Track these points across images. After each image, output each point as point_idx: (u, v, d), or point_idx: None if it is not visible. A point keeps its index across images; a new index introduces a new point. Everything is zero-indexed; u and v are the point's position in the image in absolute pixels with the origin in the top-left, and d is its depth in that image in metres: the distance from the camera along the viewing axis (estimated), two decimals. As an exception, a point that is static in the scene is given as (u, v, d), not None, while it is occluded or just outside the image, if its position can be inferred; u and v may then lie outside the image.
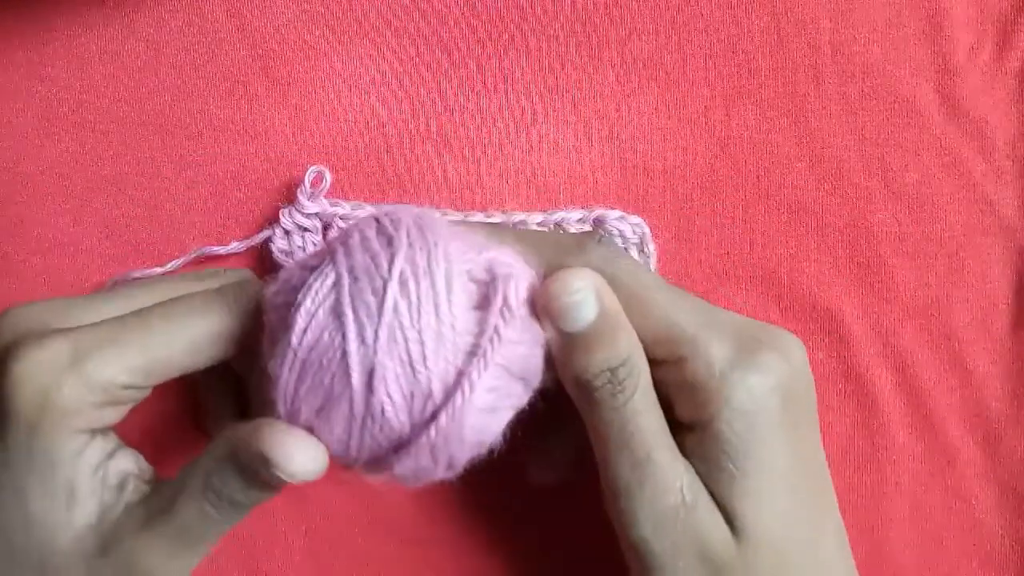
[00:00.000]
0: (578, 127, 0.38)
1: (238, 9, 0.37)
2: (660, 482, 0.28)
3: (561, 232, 0.33)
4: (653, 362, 0.29)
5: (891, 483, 0.38)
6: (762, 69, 0.38)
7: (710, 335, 0.29)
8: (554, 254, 0.30)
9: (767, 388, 0.29)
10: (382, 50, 0.38)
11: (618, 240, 0.36)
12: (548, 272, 0.28)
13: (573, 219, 0.36)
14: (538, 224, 0.36)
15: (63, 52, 0.37)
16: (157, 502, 0.28)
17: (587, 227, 0.36)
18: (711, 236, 0.38)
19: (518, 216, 0.36)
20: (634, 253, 0.36)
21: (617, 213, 0.36)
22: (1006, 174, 0.38)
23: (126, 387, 0.28)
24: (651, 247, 0.36)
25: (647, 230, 0.36)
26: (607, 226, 0.36)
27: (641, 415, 0.28)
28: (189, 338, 0.29)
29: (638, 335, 0.29)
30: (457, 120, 0.38)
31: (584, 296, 0.28)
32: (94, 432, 0.28)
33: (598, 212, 0.36)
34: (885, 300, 0.38)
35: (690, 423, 0.29)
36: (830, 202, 0.38)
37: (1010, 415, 0.38)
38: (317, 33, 0.37)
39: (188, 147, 0.37)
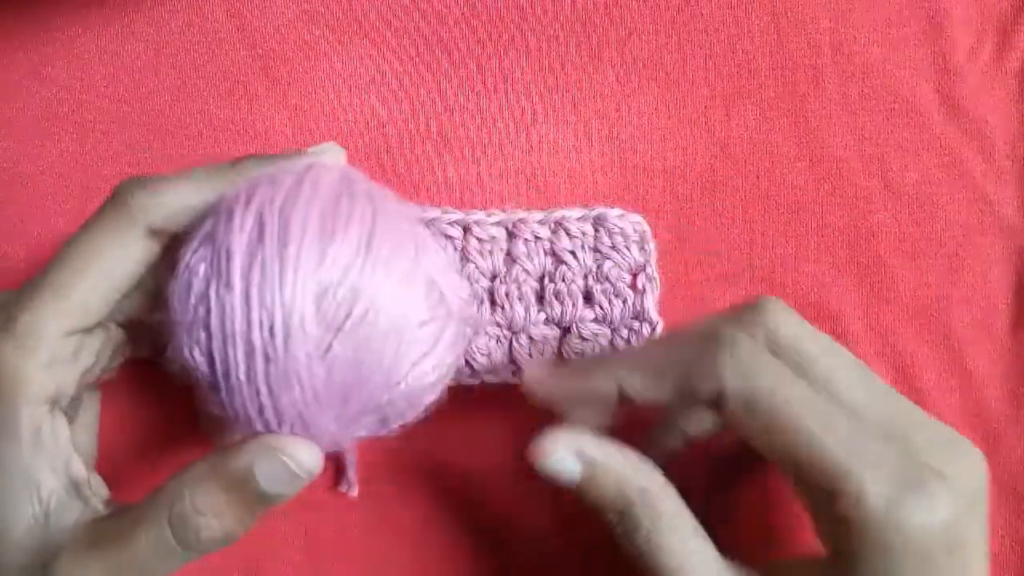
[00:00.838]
0: (578, 127, 0.38)
1: (238, 9, 0.37)
2: None
3: (684, 342, 0.29)
4: (804, 489, 0.27)
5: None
6: (762, 69, 0.38)
7: (865, 468, 0.26)
8: (681, 376, 0.28)
9: (929, 533, 0.25)
10: (382, 50, 0.38)
11: (619, 239, 0.36)
12: (680, 397, 0.28)
13: (574, 217, 0.36)
14: (538, 222, 0.36)
15: (63, 52, 0.37)
16: (110, 525, 0.27)
17: (588, 225, 0.36)
18: (711, 236, 0.38)
19: (519, 214, 0.36)
20: (635, 251, 0.36)
21: (617, 211, 0.36)
22: (1006, 174, 0.38)
23: (68, 333, 0.27)
24: (651, 245, 0.36)
25: (647, 228, 0.36)
26: (608, 225, 0.36)
27: (666, 552, 0.28)
28: (105, 266, 0.27)
29: (784, 458, 0.27)
30: (457, 120, 0.38)
31: (561, 458, 0.28)
32: (53, 406, 0.27)
33: (599, 210, 0.36)
34: (885, 300, 0.38)
35: (831, 549, 0.28)
36: (830, 202, 0.38)
37: (1010, 415, 0.38)
38: (317, 33, 0.37)
39: (188, 147, 0.37)
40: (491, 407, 0.38)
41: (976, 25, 0.38)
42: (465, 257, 0.36)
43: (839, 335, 0.38)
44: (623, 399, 0.29)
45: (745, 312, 0.29)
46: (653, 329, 0.36)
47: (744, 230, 0.38)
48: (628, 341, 0.36)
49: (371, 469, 0.37)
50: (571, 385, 0.30)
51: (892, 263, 0.38)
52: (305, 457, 0.26)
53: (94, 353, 0.29)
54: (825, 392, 0.28)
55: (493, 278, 0.36)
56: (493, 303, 0.36)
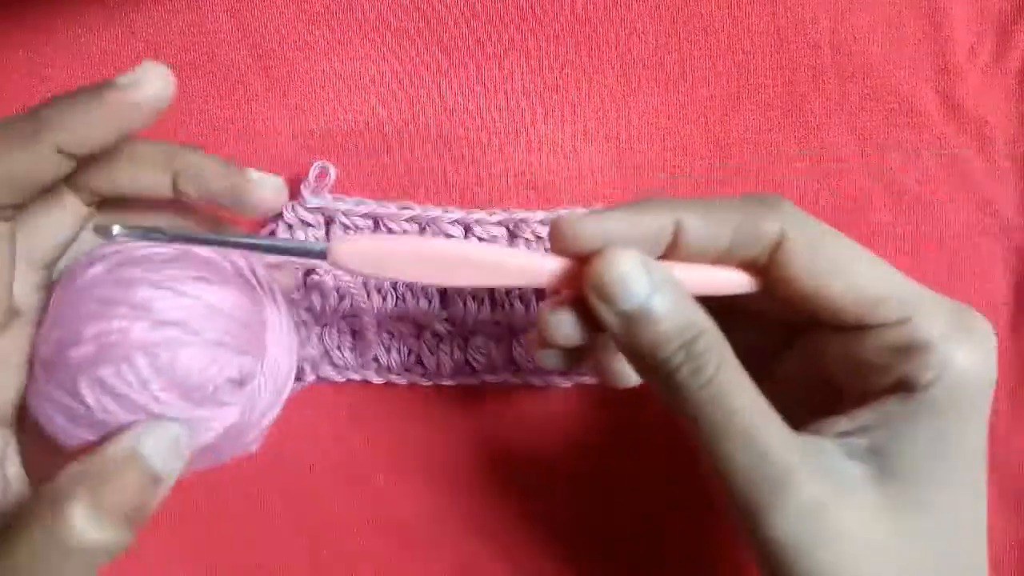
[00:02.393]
0: (578, 127, 0.38)
1: (238, 9, 0.37)
2: (783, 469, 0.25)
3: (743, 197, 0.28)
4: (843, 329, 0.27)
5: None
6: (762, 69, 0.38)
7: (927, 297, 0.27)
8: (744, 218, 0.27)
9: (984, 359, 0.27)
10: (382, 50, 0.38)
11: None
12: (738, 240, 0.27)
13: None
14: (539, 222, 0.36)
15: (63, 52, 0.37)
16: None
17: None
18: (711, 236, 0.38)
19: (520, 214, 0.36)
20: None
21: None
22: (1006, 174, 0.38)
23: None
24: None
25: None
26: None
27: (737, 393, 0.26)
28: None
29: (844, 298, 0.27)
30: (457, 120, 0.38)
31: (632, 268, 0.26)
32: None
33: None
34: (885, 300, 0.38)
35: (885, 390, 0.27)
36: (830, 202, 0.38)
37: (1010, 415, 0.38)
38: (317, 33, 0.37)
39: (188, 147, 0.37)
40: (491, 407, 0.38)
41: (976, 25, 0.38)
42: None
43: (839, 335, 0.38)
44: (673, 244, 0.27)
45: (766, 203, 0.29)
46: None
47: (744, 230, 0.38)
48: None
49: (371, 469, 0.37)
50: (621, 223, 0.27)
51: (892, 263, 0.38)
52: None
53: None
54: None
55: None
56: (493, 303, 0.36)
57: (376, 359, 0.37)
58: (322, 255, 0.27)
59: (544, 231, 0.36)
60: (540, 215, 0.36)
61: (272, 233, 0.36)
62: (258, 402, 0.29)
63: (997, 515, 0.38)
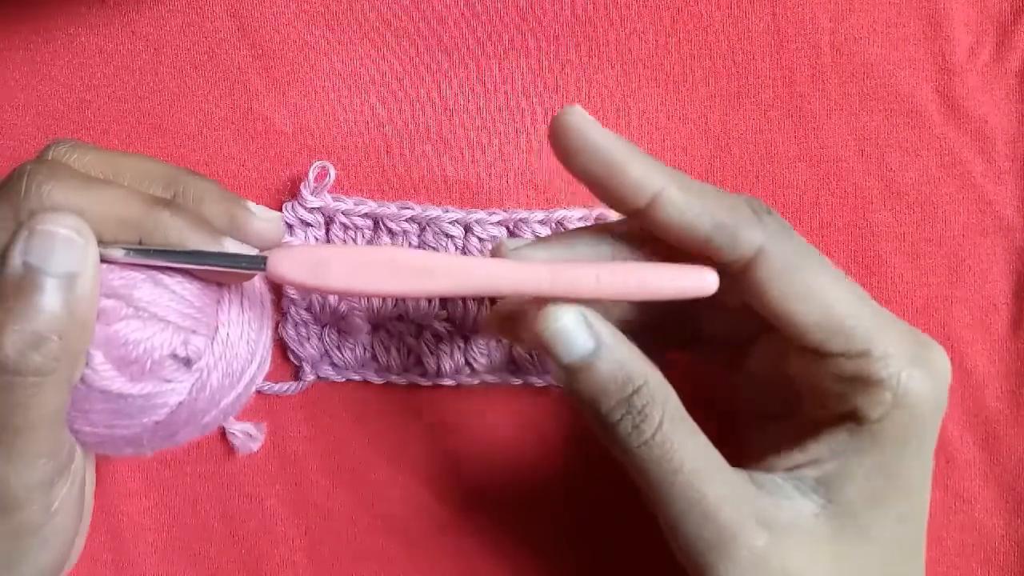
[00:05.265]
0: (578, 127, 0.38)
1: (238, 9, 0.37)
2: (727, 527, 0.26)
3: (731, 194, 0.27)
4: (803, 352, 0.28)
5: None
6: (762, 69, 0.38)
7: (889, 329, 0.27)
8: (728, 215, 0.26)
9: (936, 392, 0.27)
10: (382, 50, 0.38)
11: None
12: (715, 238, 0.26)
13: (575, 217, 0.36)
14: (539, 222, 0.36)
15: (63, 52, 0.37)
16: None
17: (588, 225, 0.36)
18: (711, 236, 0.38)
19: (520, 214, 0.36)
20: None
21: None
22: (1006, 174, 0.38)
23: None
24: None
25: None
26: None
27: (679, 449, 0.26)
28: None
29: (807, 322, 0.27)
30: (457, 120, 0.38)
31: (571, 323, 0.26)
32: None
33: (599, 210, 0.36)
34: (885, 300, 0.38)
35: (836, 419, 0.28)
36: (830, 202, 0.38)
37: (1010, 415, 0.38)
38: (317, 33, 0.37)
39: (188, 147, 0.37)
40: (491, 407, 0.38)
41: (976, 25, 0.38)
42: (466, 255, 0.36)
43: (839, 335, 0.38)
44: (650, 212, 0.26)
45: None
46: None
47: (744, 230, 0.38)
48: None
49: (371, 469, 0.37)
50: (612, 159, 0.26)
51: (892, 263, 0.38)
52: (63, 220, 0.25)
53: None
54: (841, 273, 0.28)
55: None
56: (493, 302, 0.36)
57: (376, 359, 0.37)
58: (260, 265, 0.27)
59: (545, 231, 0.36)
60: (540, 215, 0.36)
61: None
62: (208, 383, 0.28)
63: (997, 515, 0.38)
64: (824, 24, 0.38)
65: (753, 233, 0.26)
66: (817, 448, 0.28)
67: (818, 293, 0.27)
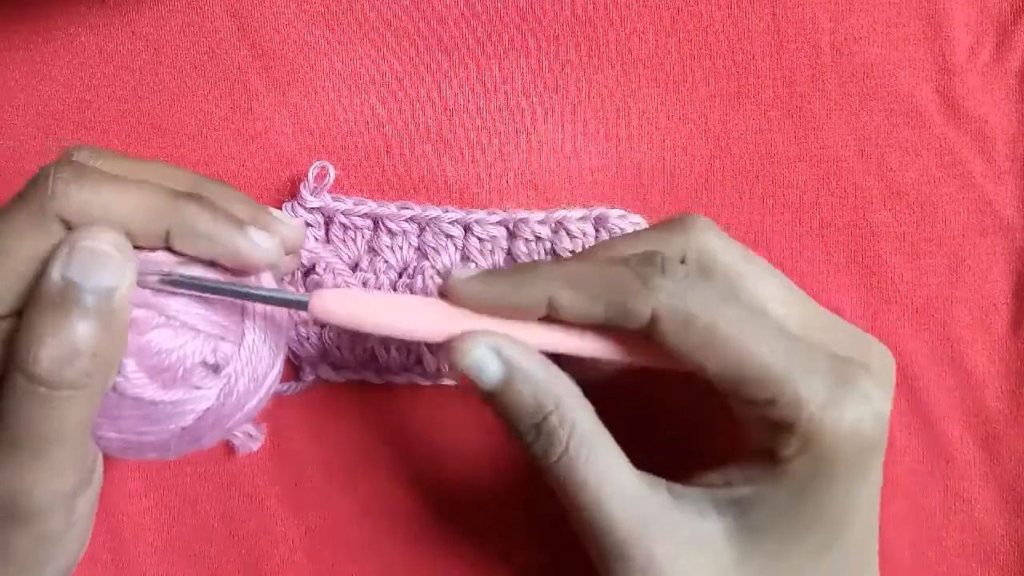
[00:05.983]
0: (578, 127, 0.38)
1: (238, 9, 0.37)
2: (625, 538, 0.27)
3: (617, 262, 0.29)
4: (741, 400, 0.28)
5: (890, 483, 0.38)
6: (762, 69, 0.38)
7: (799, 373, 0.27)
8: (615, 294, 0.27)
9: (863, 423, 0.27)
10: (382, 50, 0.38)
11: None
12: (612, 316, 0.27)
13: (575, 217, 0.36)
14: (539, 222, 0.36)
15: (63, 52, 0.37)
16: None
17: (588, 225, 0.36)
18: (711, 236, 0.38)
19: (520, 214, 0.36)
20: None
21: (618, 212, 0.36)
22: (1006, 174, 0.38)
23: None
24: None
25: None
26: (609, 225, 0.36)
27: (582, 467, 0.27)
28: (18, 266, 0.26)
29: (712, 373, 0.27)
30: (457, 121, 0.38)
31: (482, 355, 0.27)
32: None
33: (599, 210, 0.36)
34: (885, 300, 0.38)
35: (753, 452, 0.28)
36: (830, 202, 0.38)
37: (1010, 415, 0.38)
38: (317, 33, 0.37)
39: (188, 147, 0.37)
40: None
41: (976, 25, 0.38)
42: (466, 256, 0.36)
43: (839, 335, 0.38)
44: (551, 313, 0.28)
45: (675, 230, 0.30)
46: None
47: (744, 230, 0.38)
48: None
49: (371, 469, 0.37)
50: (498, 291, 0.28)
51: (892, 263, 0.38)
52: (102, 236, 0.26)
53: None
54: (754, 306, 0.28)
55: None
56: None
57: (376, 359, 0.37)
58: (303, 306, 0.28)
59: (545, 231, 0.36)
60: (540, 215, 0.36)
61: None
62: (235, 388, 0.29)
63: (997, 515, 0.38)
64: (824, 24, 0.38)
65: (638, 303, 0.27)
66: (734, 471, 0.29)
67: (721, 343, 0.27)
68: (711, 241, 0.30)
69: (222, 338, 0.28)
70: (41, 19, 0.37)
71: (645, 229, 0.31)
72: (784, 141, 0.38)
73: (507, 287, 0.28)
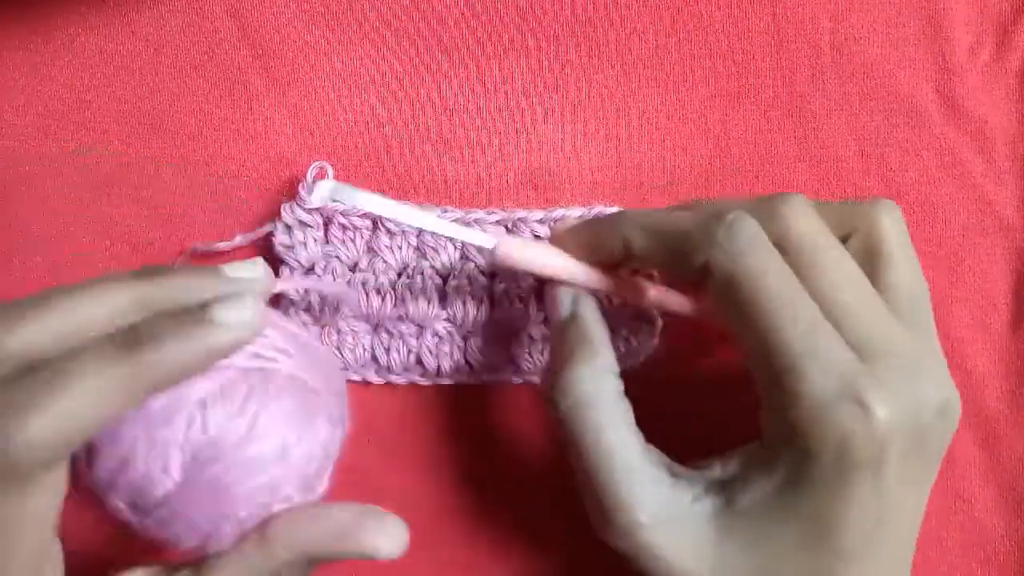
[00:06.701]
0: (578, 127, 0.38)
1: (238, 9, 0.37)
2: (623, 498, 0.28)
3: (693, 216, 0.30)
4: (755, 369, 0.28)
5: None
6: (762, 69, 0.38)
7: (812, 367, 0.26)
8: (678, 243, 0.29)
9: (841, 446, 0.26)
10: (382, 50, 0.38)
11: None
12: (672, 262, 0.29)
13: (573, 216, 0.36)
14: (537, 221, 0.36)
15: (63, 52, 0.37)
16: None
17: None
18: (711, 236, 0.38)
19: (519, 214, 0.36)
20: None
21: (617, 210, 0.36)
22: (1006, 174, 0.38)
23: None
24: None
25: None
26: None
27: (592, 417, 0.29)
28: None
29: (748, 343, 0.28)
30: (457, 120, 0.38)
31: (563, 294, 0.32)
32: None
33: (598, 209, 0.36)
34: (885, 300, 0.38)
35: (764, 436, 0.29)
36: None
37: (1010, 415, 0.38)
38: (317, 33, 0.37)
39: (188, 147, 0.37)
40: (491, 407, 0.38)
41: (976, 25, 0.38)
42: (465, 256, 0.36)
43: (839, 335, 0.38)
44: (627, 257, 0.30)
45: (766, 200, 0.30)
46: (652, 327, 0.36)
47: (744, 230, 0.38)
48: (628, 340, 0.36)
49: (371, 468, 0.37)
50: (586, 236, 0.31)
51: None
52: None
53: None
54: (813, 290, 0.28)
55: (493, 277, 0.36)
56: (493, 303, 0.36)
57: (376, 359, 0.37)
58: (488, 250, 0.31)
59: (543, 230, 0.36)
60: (539, 214, 0.36)
61: (270, 234, 0.36)
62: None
63: (997, 515, 0.38)
64: (824, 24, 0.38)
65: (696, 254, 0.28)
66: (735, 455, 0.30)
67: (754, 311, 0.27)
68: (801, 217, 0.29)
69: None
70: (41, 19, 0.37)
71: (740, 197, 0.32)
72: (784, 141, 0.38)
73: (593, 234, 0.31)
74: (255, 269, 0.27)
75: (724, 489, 0.29)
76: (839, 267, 0.29)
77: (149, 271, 0.26)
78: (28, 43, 0.37)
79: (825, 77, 0.38)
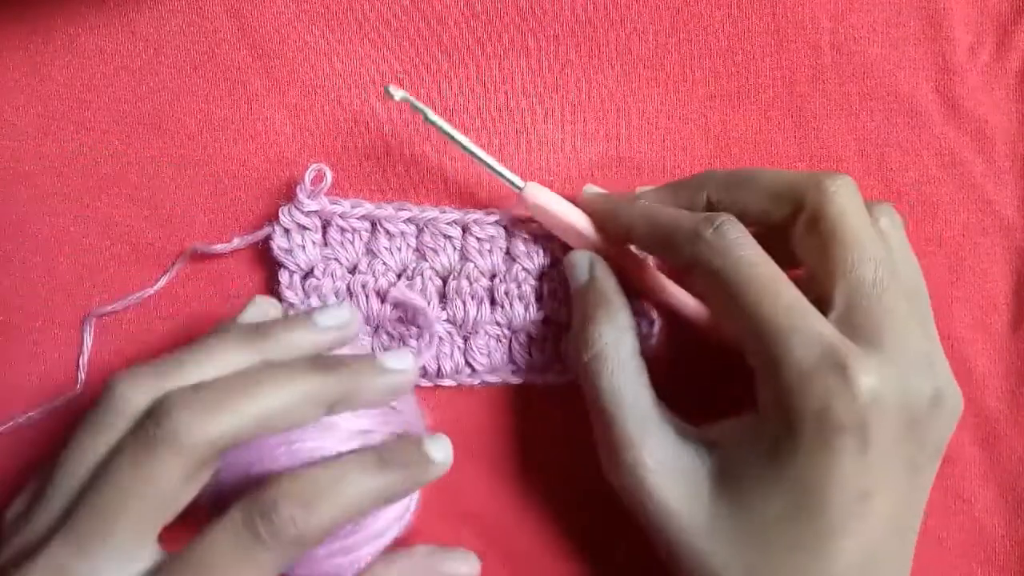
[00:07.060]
0: (578, 127, 0.38)
1: (238, 9, 0.37)
2: (632, 436, 0.31)
3: (685, 209, 0.33)
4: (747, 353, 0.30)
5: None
6: (762, 69, 0.38)
7: (794, 338, 0.28)
8: (672, 235, 0.31)
9: (823, 413, 0.27)
10: (382, 50, 0.38)
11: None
12: (665, 253, 0.33)
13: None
14: (536, 221, 0.36)
15: (63, 52, 0.37)
16: None
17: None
18: (711, 236, 0.38)
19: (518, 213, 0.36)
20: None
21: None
22: (1006, 174, 0.38)
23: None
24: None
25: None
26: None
27: (612, 368, 0.32)
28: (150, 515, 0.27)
29: (737, 328, 0.30)
30: (457, 121, 0.38)
31: (580, 257, 0.34)
32: None
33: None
34: (885, 300, 0.38)
35: (758, 406, 0.30)
36: (830, 202, 0.38)
37: (1010, 415, 0.38)
38: (317, 33, 0.37)
39: (188, 147, 0.37)
40: (491, 407, 0.38)
41: (976, 25, 0.38)
42: (464, 256, 0.36)
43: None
44: (627, 239, 0.34)
45: (815, 175, 0.32)
46: (652, 325, 0.36)
47: (744, 230, 0.38)
48: None
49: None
50: (600, 211, 0.35)
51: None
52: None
53: None
54: (835, 262, 0.30)
55: (492, 277, 0.36)
56: (493, 302, 0.36)
57: (376, 359, 0.37)
58: (517, 188, 0.35)
59: (542, 230, 0.36)
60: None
61: (268, 238, 0.36)
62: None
63: (997, 515, 0.38)
64: (824, 24, 0.38)
65: (684, 248, 0.31)
66: (730, 422, 0.32)
67: (740, 301, 0.29)
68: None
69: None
70: (41, 19, 0.37)
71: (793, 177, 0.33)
72: (784, 141, 0.38)
73: (607, 210, 0.34)
74: (404, 360, 0.31)
75: (722, 454, 0.31)
76: (872, 244, 0.30)
77: (323, 363, 0.29)
78: (28, 43, 0.37)
79: (825, 77, 0.38)
